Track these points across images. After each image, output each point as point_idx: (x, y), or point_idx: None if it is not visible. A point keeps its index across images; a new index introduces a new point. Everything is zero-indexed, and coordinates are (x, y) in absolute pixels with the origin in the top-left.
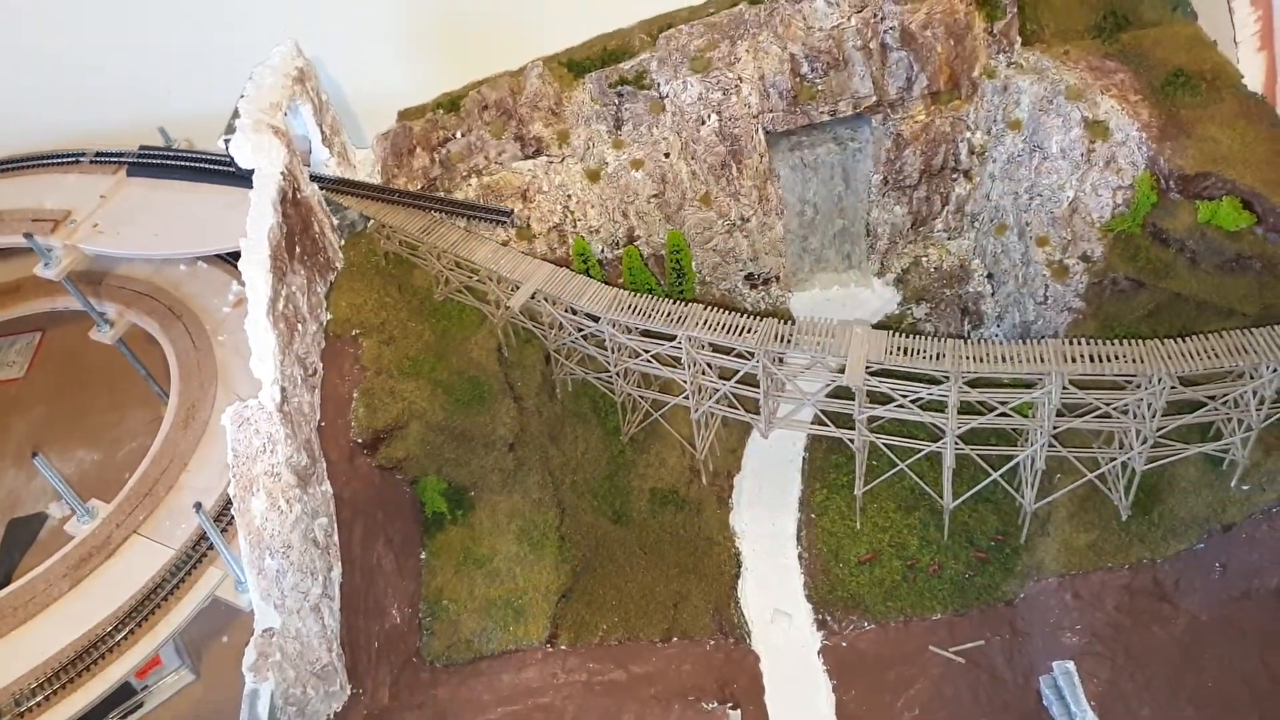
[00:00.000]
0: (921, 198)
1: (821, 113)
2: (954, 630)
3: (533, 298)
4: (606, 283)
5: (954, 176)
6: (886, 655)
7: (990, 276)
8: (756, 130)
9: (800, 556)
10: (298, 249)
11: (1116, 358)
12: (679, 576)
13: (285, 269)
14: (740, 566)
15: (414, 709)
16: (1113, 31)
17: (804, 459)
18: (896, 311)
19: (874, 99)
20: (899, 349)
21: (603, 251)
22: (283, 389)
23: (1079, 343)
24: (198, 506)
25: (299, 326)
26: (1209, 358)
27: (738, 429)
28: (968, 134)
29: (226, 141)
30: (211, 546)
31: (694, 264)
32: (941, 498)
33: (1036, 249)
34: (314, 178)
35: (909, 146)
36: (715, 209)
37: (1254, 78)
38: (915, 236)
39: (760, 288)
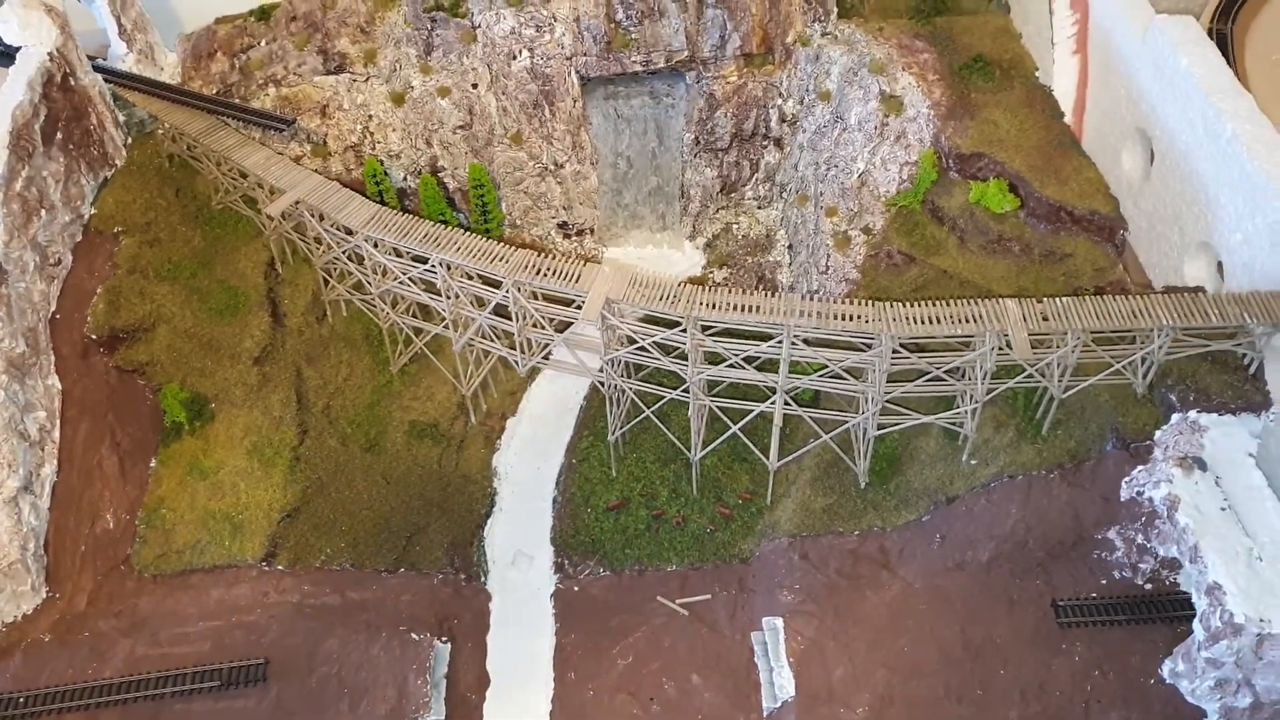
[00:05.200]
0: (732, 162)
1: (634, 62)
2: (686, 583)
3: (296, 207)
4: (405, 212)
5: (764, 144)
6: (615, 602)
7: (790, 247)
8: (569, 73)
9: (555, 500)
10: (59, 135)
11: (845, 317)
12: (421, 510)
13: (33, 151)
14: (493, 506)
15: (110, 617)
16: (929, 14)
17: (582, 406)
18: (699, 274)
19: (686, 54)
20: (640, 290)
21: (405, 179)
22: (2, 270)
23: (812, 299)
24: None
25: (42, 212)
26: (932, 323)
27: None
28: (780, 101)
29: None
30: None
31: (504, 205)
32: (689, 450)
33: (825, 219)
34: (98, 68)
35: (721, 108)
36: (526, 150)
37: (1068, 79)
38: (727, 202)
39: (574, 238)
